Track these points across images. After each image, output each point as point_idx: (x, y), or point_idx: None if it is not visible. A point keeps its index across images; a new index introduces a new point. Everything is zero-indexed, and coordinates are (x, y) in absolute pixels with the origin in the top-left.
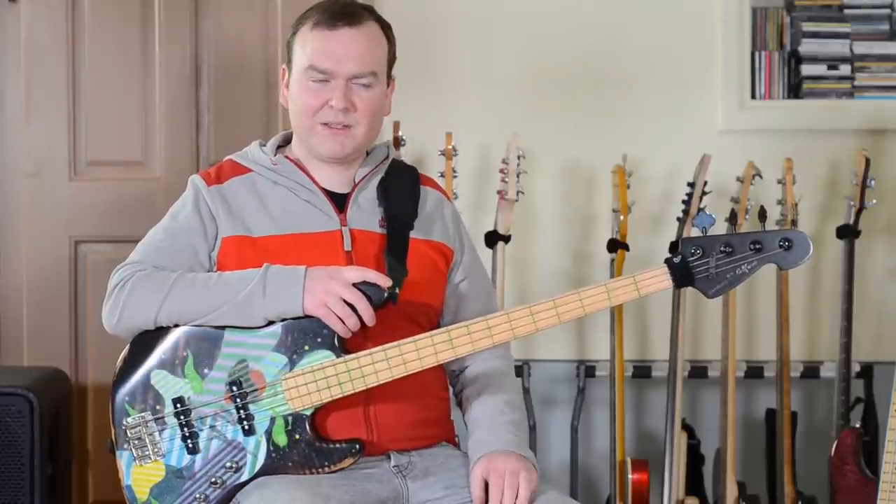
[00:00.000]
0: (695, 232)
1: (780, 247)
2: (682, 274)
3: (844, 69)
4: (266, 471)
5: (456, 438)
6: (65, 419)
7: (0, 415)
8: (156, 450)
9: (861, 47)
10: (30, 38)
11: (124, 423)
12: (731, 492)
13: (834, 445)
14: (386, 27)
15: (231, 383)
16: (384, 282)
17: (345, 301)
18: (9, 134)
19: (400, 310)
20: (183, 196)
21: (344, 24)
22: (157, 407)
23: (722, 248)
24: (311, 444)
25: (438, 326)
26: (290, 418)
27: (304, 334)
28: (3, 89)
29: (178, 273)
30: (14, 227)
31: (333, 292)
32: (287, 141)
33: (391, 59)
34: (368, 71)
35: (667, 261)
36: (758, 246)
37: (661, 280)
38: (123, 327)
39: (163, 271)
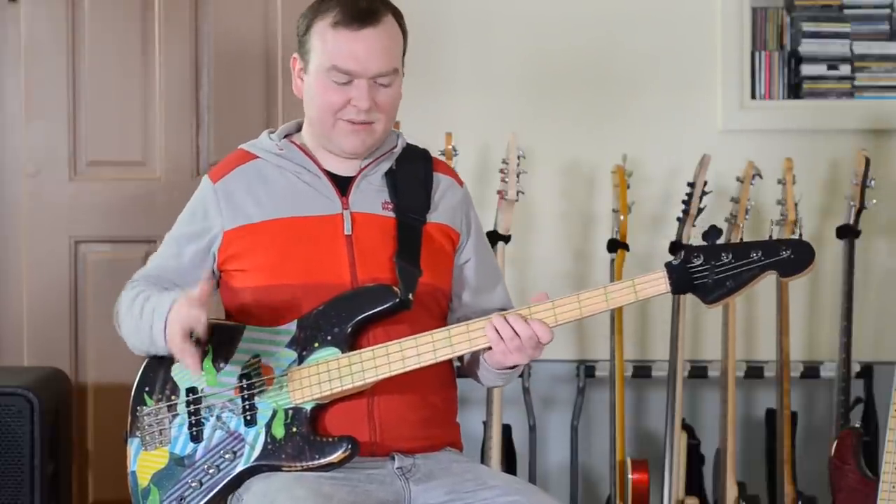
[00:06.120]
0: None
1: (783, 255)
2: (680, 279)
3: (844, 69)
4: (261, 461)
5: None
6: (65, 419)
7: (0, 415)
8: (164, 437)
9: (861, 47)
10: (30, 38)
11: (139, 411)
12: (731, 492)
13: (834, 445)
14: (399, 16)
15: (242, 376)
16: (194, 367)
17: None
18: (9, 134)
19: None
20: (191, 201)
21: (367, 25)
22: (172, 397)
23: (723, 256)
24: (305, 437)
25: (448, 310)
26: (290, 411)
27: (317, 332)
28: (3, 89)
29: (141, 303)
30: (14, 227)
31: (172, 332)
32: (298, 129)
33: (405, 50)
34: (391, 69)
35: (667, 265)
36: (759, 254)
37: (658, 284)
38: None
39: (137, 298)
